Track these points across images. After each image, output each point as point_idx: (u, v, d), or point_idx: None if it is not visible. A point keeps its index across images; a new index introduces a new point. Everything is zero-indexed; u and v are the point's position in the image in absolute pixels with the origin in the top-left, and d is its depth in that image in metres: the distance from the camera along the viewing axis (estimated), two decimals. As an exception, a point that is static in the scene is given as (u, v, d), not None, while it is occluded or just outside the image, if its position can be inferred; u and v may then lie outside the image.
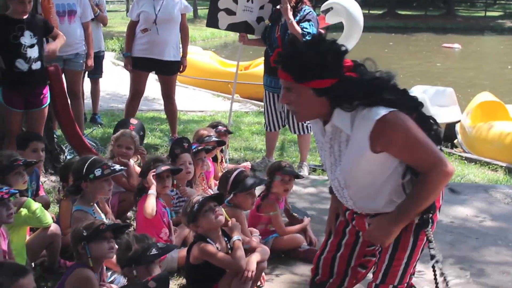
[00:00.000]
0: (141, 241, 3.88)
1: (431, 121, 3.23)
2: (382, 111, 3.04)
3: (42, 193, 5.69)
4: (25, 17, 5.98)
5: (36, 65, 6.06)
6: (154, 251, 3.84)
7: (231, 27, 8.03)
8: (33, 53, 6.02)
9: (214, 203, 4.41)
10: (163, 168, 5.16)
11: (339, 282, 3.70)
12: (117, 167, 4.88)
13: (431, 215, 3.25)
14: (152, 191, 4.99)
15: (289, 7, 7.14)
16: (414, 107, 3.18)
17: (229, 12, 7.82)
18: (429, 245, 3.31)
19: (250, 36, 8.05)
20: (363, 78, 3.11)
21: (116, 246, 4.28)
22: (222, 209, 4.47)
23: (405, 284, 3.50)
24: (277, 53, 3.25)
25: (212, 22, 8.04)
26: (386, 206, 3.29)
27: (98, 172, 4.66)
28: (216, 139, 6.52)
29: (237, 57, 8.94)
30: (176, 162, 5.62)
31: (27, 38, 5.96)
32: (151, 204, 4.91)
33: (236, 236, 4.38)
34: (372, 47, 26.95)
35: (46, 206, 5.32)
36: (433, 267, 3.37)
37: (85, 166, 4.67)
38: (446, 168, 3.08)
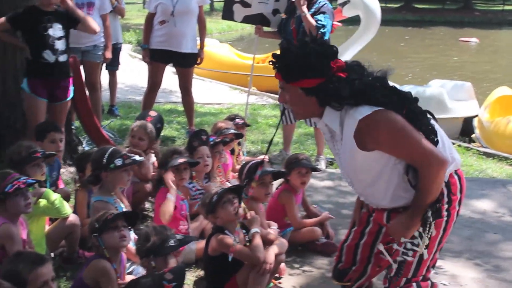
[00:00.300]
0: (160, 233, 3.89)
1: (421, 115, 3.27)
2: (366, 111, 3.16)
3: (61, 184, 5.72)
4: (54, 9, 6.03)
5: (63, 58, 6.11)
6: (172, 243, 3.85)
7: (246, 19, 8.03)
8: (61, 45, 6.06)
9: (233, 195, 4.42)
10: (180, 160, 5.17)
11: (362, 269, 3.76)
12: (137, 157, 4.90)
13: (438, 205, 3.29)
14: (171, 196, 5.00)
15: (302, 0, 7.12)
16: (402, 104, 3.23)
17: (245, 4, 7.83)
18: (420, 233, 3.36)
19: (266, 29, 8.04)
20: (351, 77, 3.21)
21: (136, 236, 4.31)
22: (243, 204, 4.48)
23: (420, 277, 3.50)
24: (272, 55, 3.37)
25: (228, 14, 8.04)
26: (394, 201, 3.37)
27: (119, 162, 4.67)
28: (234, 131, 6.52)
29: (253, 50, 8.92)
30: (194, 155, 5.63)
31: (55, 30, 6.01)
32: (168, 210, 4.93)
33: (254, 229, 4.39)
34: (388, 40, 26.85)
35: (66, 198, 5.35)
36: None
37: (106, 156, 4.68)
38: (437, 159, 3.15)
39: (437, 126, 3.36)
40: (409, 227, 3.30)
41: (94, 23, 6.47)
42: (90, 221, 4.09)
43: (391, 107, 3.18)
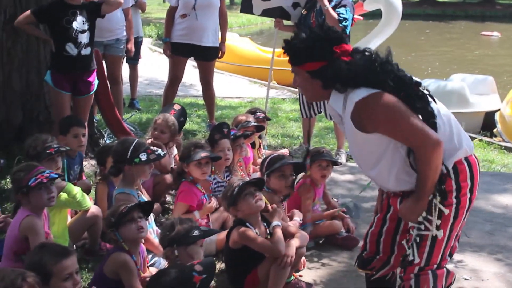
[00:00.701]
0: (185, 223, 3.92)
1: (419, 98, 3.33)
2: (363, 93, 3.28)
3: (83, 177, 5.76)
4: (79, 3, 6.07)
5: (86, 51, 6.12)
6: (196, 233, 3.87)
7: (265, 13, 8.02)
8: (84, 38, 6.08)
9: (254, 188, 4.43)
10: (202, 155, 5.18)
11: (386, 259, 3.78)
12: (161, 151, 4.91)
13: (441, 188, 3.32)
14: (197, 214, 5.05)
15: None
16: (400, 86, 3.30)
17: None
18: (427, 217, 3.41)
19: (286, 22, 8.03)
20: (353, 61, 3.35)
21: (158, 229, 4.33)
22: (262, 194, 4.49)
23: (434, 266, 3.51)
24: (283, 40, 3.54)
25: (246, 7, 8.04)
26: (398, 184, 3.45)
27: (143, 157, 4.67)
28: (255, 124, 6.53)
29: (273, 43, 8.91)
30: (215, 148, 5.63)
31: (79, 23, 6.02)
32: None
33: (275, 222, 4.40)
34: (408, 34, 26.71)
35: (87, 190, 5.38)
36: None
37: (130, 150, 4.68)
38: (430, 140, 3.21)
39: (441, 110, 3.42)
40: (414, 211, 3.38)
41: None
42: (106, 216, 4.11)
43: (388, 90, 3.27)
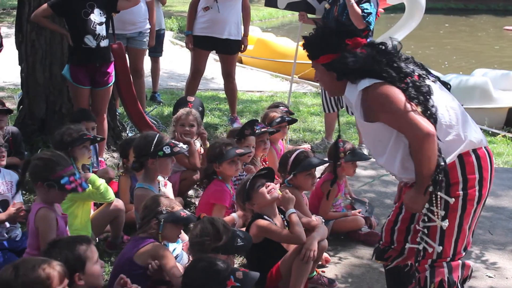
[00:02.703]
0: (228, 231, 3.80)
1: (420, 89, 3.39)
2: (366, 83, 3.40)
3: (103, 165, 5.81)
4: None
5: (104, 43, 6.14)
6: (240, 242, 3.77)
7: (290, 6, 7.98)
8: (102, 30, 6.09)
9: (265, 179, 4.44)
10: (238, 151, 5.13)
11: (400, 249, 3.81)
12: (183, 145, 4.91)
13: (437, 178, 3.33)
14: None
15: None
16: (401, 77, 3.40)
17: None
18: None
19: (310, 16, 7.99)
20: (359, 52, 3.48)
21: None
22: (274, 184, 4.47)
23: (447, 258, 3.52)
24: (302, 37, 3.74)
25: (271, 1, 8.01)
26: (404, 172, 3.52)
27: (167, 150, 4.67)
28: (288, 118, 6.48)
29: (296, 37, 8.87)
30: (241, 142, 5.57)
31: (97, 16, 6.04)
32: None
33: (290, 210, 4.36)
34: (426, 28, 26.46)
35: (106, 177, 5.33)
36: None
37: (154, 143, 4.68)
38: (421, 131, 3.26)
39: (448, 103, 3.48)
40: (415, 200, 3.45)
41: None
42: (151, 204, 4.03)
43: (390, 80, 3.38)
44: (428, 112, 3.33)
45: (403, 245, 3.77)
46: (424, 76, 3.48)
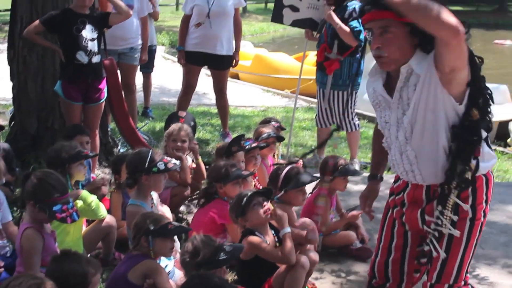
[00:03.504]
0: (209, 245, 3.78)
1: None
2: None
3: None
4: (87, 12, 6.12)
5: (96, 59, 6.17)
6: (223, 255, 3.75)
7: (295, 23, 8.05)
8: (94, 46, 6.13)
9: (263, 198, 4.43)
10: (244, 173, 5.21)
11: (396, 286, 3.68)
12: (176, 161, 4.92)
13: (469, 174, 3.24)
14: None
15: (332, 13, 7.14)
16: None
17: (294, 8, 7.86)
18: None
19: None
20: None
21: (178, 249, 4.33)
22: (270, 204, 4.47)
23: (462, 283, 3.46)
24: None
25: (277, 17, 8.09)
26: (434, 175, 3.32)
27: (161, 166, 4.69)
28: (275, 135, 6.49)
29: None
30: (229, 159, 5.60)
31: (88, 32, 6.08)
32: None
33: (286, 229, 4.35)
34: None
35: (96, 191, 5.32)
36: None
37: (148, 159, 4.69)
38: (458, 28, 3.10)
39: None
40: None
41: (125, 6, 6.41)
42: (141, 220, 4.03)
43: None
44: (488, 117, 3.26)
45: (399, 282, 3.65)
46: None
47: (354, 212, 5.46)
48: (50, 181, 3.99)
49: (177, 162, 4.92)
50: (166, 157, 4.85)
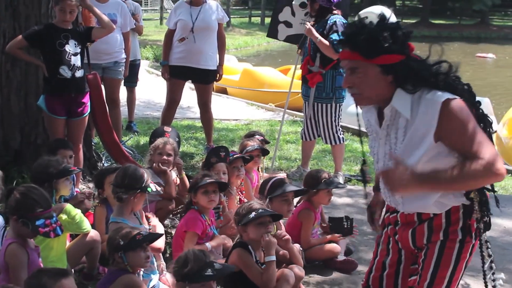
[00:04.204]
0: (199, 259, 3.75)
1: (488, 119, 3.19)
2: (448, 95, 3.02)
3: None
4: (69, 27, 6.13)
5: (79, 73, 6.18)
6: (209, 272, 3.72)
7: (288, 39, 8.28)
8: (77, 61, 6.14)
9: (270, 219, 4.47)
10: (208, 180, 5.09)
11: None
12: (156, 184, 5.03)
13: (485, 219, 3.24)
14: (209, 245, 4.97)
15: (311, 28, 7.26)
16: (473, 102, 3.16)
17: (288, 24, 8.10)
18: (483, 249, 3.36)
19: None
20: (428, 60, 3.14)
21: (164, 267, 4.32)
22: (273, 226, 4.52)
23: None
24: (343, 33, 3.18)
25: (273, 33, 8.32)
26: (429, 207, 3.22)
27: (153, 187, 4.73)
28: (258, 147, 6.49)
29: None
30: (210, 171, 5.60)
31: (71, 46, 6.09)
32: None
33: (270, 257, 4.38)
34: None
35: (79, 205, 5.30)
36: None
37: (143, 178, 4.67)
38: (496, 167, 2.92)
39: None
40: (406, 184, 2.94)
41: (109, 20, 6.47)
42: (111, 237, 4.08)
43: (465, 101, 3.07)
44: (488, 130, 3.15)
45: None
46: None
47: (336, 236, 5.48)
48: (33, 195, 3.98)
49: (159, 182, 4.97)
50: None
